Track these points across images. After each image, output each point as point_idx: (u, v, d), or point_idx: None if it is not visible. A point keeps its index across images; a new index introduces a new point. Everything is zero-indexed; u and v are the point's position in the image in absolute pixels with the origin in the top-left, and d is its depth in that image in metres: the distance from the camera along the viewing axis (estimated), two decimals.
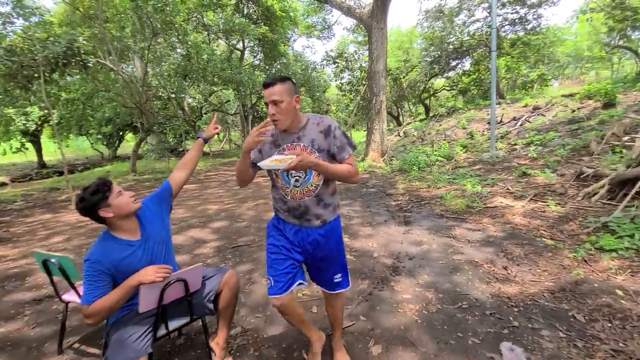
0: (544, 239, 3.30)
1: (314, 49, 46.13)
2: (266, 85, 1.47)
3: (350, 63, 15.66)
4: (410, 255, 3.27)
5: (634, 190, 3.57)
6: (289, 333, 2.14)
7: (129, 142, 23.91)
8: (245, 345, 2.04)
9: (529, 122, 9.23)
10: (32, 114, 13.81)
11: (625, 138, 5.36)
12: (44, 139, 18.57)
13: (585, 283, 2.44)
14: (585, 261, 2.79)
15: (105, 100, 12.29)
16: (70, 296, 2.02)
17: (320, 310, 2.40)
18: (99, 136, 19.76)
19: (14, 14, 8.51)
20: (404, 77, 19.34)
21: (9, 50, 7.22)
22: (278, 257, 1.63)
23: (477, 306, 2.30)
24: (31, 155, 18.83)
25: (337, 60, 15.85)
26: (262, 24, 14.73)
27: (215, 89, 13.73)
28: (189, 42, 11.08)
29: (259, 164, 1.49)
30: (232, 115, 22.61)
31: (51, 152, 22.90)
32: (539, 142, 7.06)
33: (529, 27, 15.36)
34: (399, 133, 13.88)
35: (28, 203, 7.68)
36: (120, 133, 20.41)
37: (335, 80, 16.71)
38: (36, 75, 7.55)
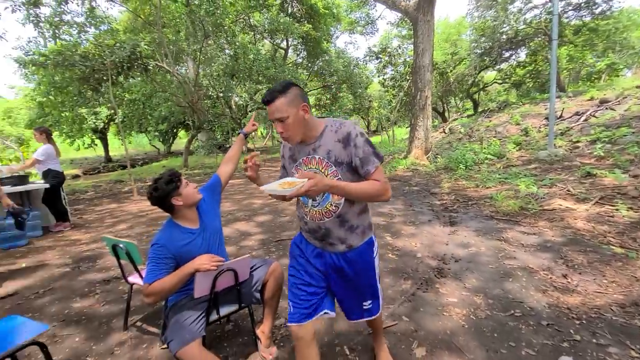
0: (612, 247, 2.98)
1: (356, 45, 45.88)
2: (265, 102, 1.27)
3: (393, 58, 15.23)
4: (456, 257, 3.13)
5: None
6: (330, 328, 2.17)
7: (181, 139, 25.70)
8: (288, 337, 2.10)
9: (594, 117, 8.33)
10: (101, 113, 15.51)
11: None
12: (110, 136, 20.71)
13: None
14: None
15: (162, 100, 13.32)
16: (134, 278, 2.23)
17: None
18: (156, 133, 21.49)
19: (87, 24, 9.55)
20: (451, 70, 18.43)
21: (84, 56, 8.13)
22: (297, 280, 1.49)
23: (532, 315, 2.15)
24: (99, 151, 21.15)
25: (380, 56, 15.50)
26: (306, 22, 14.89)
27: (260, 87, 14.17)
28: (237, 43, 11.57)
29: (261, 187, 1.26)
30: None
31: (115, 147, 25.52)
32: (607, 139, 6.35)
33: (597, 10, 13.75)
34: (444, 130, 13.28)
35: (97, 193, 8.58)
36: (174, 130, 21.96)
37: (378, 76, 16.39)
38: (105, 78, 8.41)
